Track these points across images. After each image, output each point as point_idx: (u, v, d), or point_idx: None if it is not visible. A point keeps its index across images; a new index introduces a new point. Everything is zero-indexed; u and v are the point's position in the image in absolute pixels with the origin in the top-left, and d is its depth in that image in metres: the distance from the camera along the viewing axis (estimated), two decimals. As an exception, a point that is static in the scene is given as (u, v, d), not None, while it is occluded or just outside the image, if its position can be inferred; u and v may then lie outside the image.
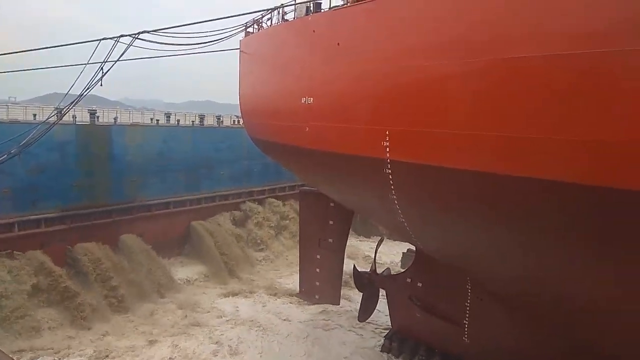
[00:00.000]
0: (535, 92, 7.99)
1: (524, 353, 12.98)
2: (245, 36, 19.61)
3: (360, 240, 36.76)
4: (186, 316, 23.73)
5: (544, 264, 9.40)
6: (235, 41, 19.51)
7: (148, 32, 17.45)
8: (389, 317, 19.52)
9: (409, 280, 17.35)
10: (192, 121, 38.67)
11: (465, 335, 15.03)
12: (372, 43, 11.47)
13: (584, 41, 7.37)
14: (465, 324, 14.95)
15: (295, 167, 18.81)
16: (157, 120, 38.47)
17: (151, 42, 17.39)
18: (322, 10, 14.63)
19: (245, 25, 19.18)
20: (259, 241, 33.72)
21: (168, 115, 39.06)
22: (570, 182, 7.65)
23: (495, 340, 13.94)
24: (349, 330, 21.69)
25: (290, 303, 25.73)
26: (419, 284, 16.95)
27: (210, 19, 17.26)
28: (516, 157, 8.35)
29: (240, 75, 20.15)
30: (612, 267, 8.19)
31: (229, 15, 16.99)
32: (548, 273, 9.56)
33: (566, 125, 7.60)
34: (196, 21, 17.54)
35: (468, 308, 14.75)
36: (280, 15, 17.02)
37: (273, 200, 36.59)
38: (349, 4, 13.22)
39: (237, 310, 24.82)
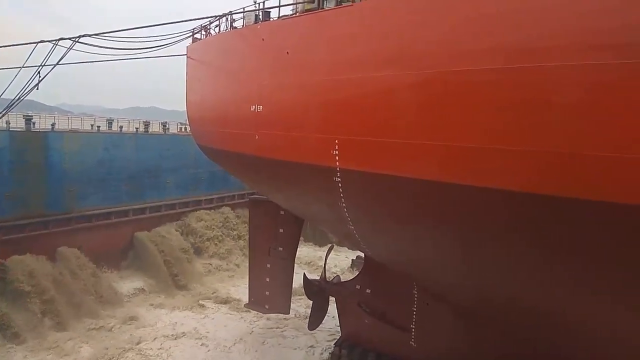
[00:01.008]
0: (474, 104, 8.39)
1: (470, 356, 13.41)
2: (193, 42, 19.28)
3: (314, 249, 36.81)
4: (129, 332, 22.80)
5: (488, 270, 9.81)
6: (182, 47, 19.17)
7: (89, 35, 16.79)
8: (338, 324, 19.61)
9: (358, 287, 17.53)
10: (136, 128, 37.42)
11: (412, 340, 15.35)
12: (321, 53, 11.60)
13: (519, 56, 7.81)
14: (412, 328, 15.27)
15: (245, 176, 18.61)
16: (99, 126, 36.97)
17: (93, 45, 16.74)
18: (271, 19, 14.65)
19: (193, 32, 18.88)
20: (207, 251, 33.01)
21: (110, 122, 37.59)
22: (510, 190, 8.05)
23: (441, 344, 14.33)
24: (299, 339, 21.61)
25: (240, 313, 25.33)
26: (368, 291, 17.15)
27: (157, 24, 16.85)
28: (458, 166, 8.70)
29: (187, 81, 19.77)
30: (553, 271, 8.64)
31: (176, 20, 16.68)
32: (492, 278, 9.96)
33: (504, 135, 8.02)
34: (141, 25, 17.04)
35: (415, 313, 15.08)
36: (229, 22, 16.88)
37: (222, 209, 36.00)
38: (297, 14, 13.32)
39: (183, 324, 24.15)
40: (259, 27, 14.30)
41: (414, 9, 9.65)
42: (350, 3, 11.41)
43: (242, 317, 24.99)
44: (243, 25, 15.56)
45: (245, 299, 25.87)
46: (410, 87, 9.40)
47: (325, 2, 12.59)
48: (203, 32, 19.04)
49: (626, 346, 9.09)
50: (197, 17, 17.35)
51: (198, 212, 34.29)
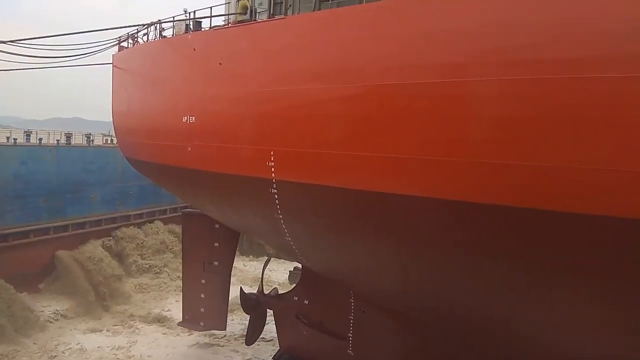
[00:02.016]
0: (403, 116, 8.80)
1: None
2: (119, 51, 18.53)
3: (249, 261, 36.27)
4: (50, 357, 21.20)
5: (424, 277, 10.16)
6: (108, 55, 18.36)
7: (4, 42, 15.63)
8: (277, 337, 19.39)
9: (295, 298, 17.45)
10: (57, 140, 35.20)
11: (350, 349, 15.48)
12: (255, 65, 11.57)
13: (446, 71, 8.28)
14: (349, 337, 15.41)
15: (177, 189, 18.05)
16: (15, 139, 34.39)
17: (8, 53, 15.58)
18: (203, 29, 14.42)
19: (119, 40, 18.15)
20: (136, 269, 31.50)
21: (28, 134, 35.08)
22: (440, 198, 8.43)
23: (378, 351, 14.56)
24: (236, 355, 21.13)
25: (173, 332, 24.35)
26: (306, 302, 17.13)
27: (80, 31, 16.03)
28: (389, 176, 9.04)
29: (113, 91, 18.93)
30: (490, 277, 9.09)
31: (101, 28, 15.95)
32: (428, 285, 10.32)
33: (432, 146, 8.45)
34: (63, 33, 16.15)
35: (352, 321, 15.24)
36: (158, 31, 16.41)
37: (152, 223, 34.59)
38: (230, 25, 13.22)
39: (111, 347, 22.82)
40: (190, 37, 14.03)
41: (346, 24, 9.95)
42: (282, 16, 11.51)
43: (176, 336, 24.04)
44: (173, 35, 15.18)
45: (179, 317, 24.96)
46: (342, 99, 9.65)
47: (257, 14, 12.61)
48: (130, 41, 18.36)
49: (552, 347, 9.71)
50: (123, 26, 16.69)
51: (127, 228, 32.70)
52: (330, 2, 11.26)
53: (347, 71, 9.62)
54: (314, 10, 11.17)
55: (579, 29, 7.18)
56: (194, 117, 13.15)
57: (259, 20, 12.45)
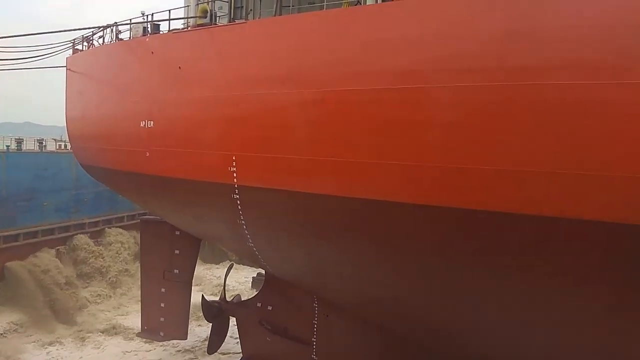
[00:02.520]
0: (363, 121, 8.97)
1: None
2: (74, 53, 17.91)
3: (211, 268, 35.65)
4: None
5: (387, 281, 10.30)
6: (62, 58, 17.71)
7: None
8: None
9: (259, 304, 17.30)
10: (7, 146, 33.59)
11: (314, 353, 15.46)
12: (216, 69, 11.45)
13: (403, 78, 8.50)
14: (313, 342, 15.39)
15: (136, 196, 17.57)
16: (-41, 145, 32.67)
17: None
18: (161, 32, 14.14)
19: (74, 42, 17.55)
20: (92, 278, 30.38)
21: (-26, 139, 33.35)
22: (396, 202, 8.65)
23: (342, 356, 14.60)
24: (199, 365, 20.69)
25: (132, 343, 23.62)
26: (269, 307, 17.00)
27: (32, 33, 15.39)
28: (350, 180, 9.17)
29: (67, 95, 18.26)
30: (451, 280, 9.29)
31: (55, 30, 15.39)
32: (391, 290, 10.46)
33: (390, 151, 8.65)
34: (12, 35, 15.45)
35: (316, 326, 15.23)
36: (114, 33, 15.96)
37: (109, 231, 33.47)
38: (190, 28, 13.02)
39: (67, 360, 21.90)
40: (148, 39, 13.73)
41: (307, 30, 10.02)
42: (243, 21, 11.45)
43: (135, 348, 23.32)
44: (130, 38, 14.81)
45: (137, 327, 24.26)
46: (303, 104, 9.73)
47: (218, 18, 12.49)
48: (85, 43, 17.79)
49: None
50: (78, 28, 16.16)
51: (81, 236, 31.50)
52: (291, 7, 11.30)
53: (308, 76, 9.73)
54: (274, 15, 11.17)
55: (524, 38, 7.54)
56: (152, 122, 12.86)
57: (220, 24, 12.34)
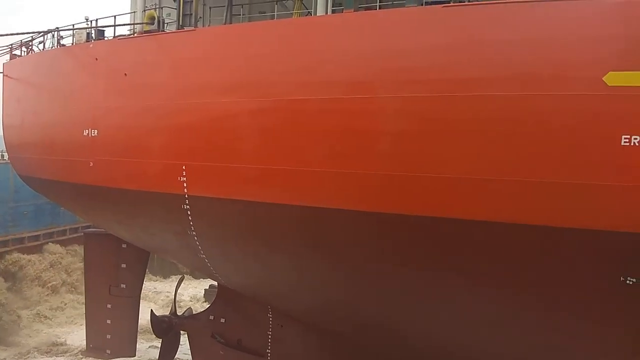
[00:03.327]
0: (313, 130, 9.11)
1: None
2: (11, 59, 17.03)
3: (161, 281, 34.55)
4: None
5: (341, 288, 10.37)
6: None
7: None
8: None
9: (211, 317, 16.95)
10: (-63, 156, 31.38)
11: (269, 364, 15.29)
12: (164, 76, 11.21)
13: (352, 88, 8.73)
14: (267, 353, 15.23)
15: (79, 207, 16.85)
16: None
17: None
18: (106, 38, 13.71)
19: (11, 47, 16.70)
20: (32, 296, 28.74)
21: None
22: (348, 209, 8.80)
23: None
24: (148, 382, 19.95)
25: (76, 363, 22.48)
26: (222, 320, 16.69)
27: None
28: (302, 189, 9.22)
29: (3, 103, 17.32)
30: (403, 284, 9.45)
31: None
32: (346, 296, 10.54)
33: (340, 159, 8.83)
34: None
35: (270, 337, 15.10)
36: (56, 39, 15.31)
37: (50, 246, 31.82)
38: (136, 35, 12.70)
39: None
40: (91, 45, 13.27)
41: (259, 39, 10.04)
42: (192, 28, 11.30)
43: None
44: (73, 43, 14.26)
45: (82, 345, 23.15)
46: (255, 113, 9.73)
47: (165, 25, 12.27)
48: (24, 49, 16.96)
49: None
50: (17, 32, 15.40)
51: (20, 251, 29.79)
52: (241, 16, 11.26)
53: (260, 85, 9.75)
54: (225, 24, 11.09)
55: (471, 51, 7.94)
56: (96, 131, 12.40)
57: (168, 31, 12.11)
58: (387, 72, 8.51)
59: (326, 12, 10.35)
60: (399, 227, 8.56)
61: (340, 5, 10.22)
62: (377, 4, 10.18)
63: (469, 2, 8.49)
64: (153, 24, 12.13)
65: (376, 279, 9.56)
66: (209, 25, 11.95)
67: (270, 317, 14.85)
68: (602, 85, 7.25)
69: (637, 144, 7.13)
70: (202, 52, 10.71)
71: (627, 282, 7.72)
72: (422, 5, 9.37)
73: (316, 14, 10.48)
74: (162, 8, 12.75)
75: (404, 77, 8.36)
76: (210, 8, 11.96)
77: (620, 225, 7.46)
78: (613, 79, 7.25)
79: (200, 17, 12.09)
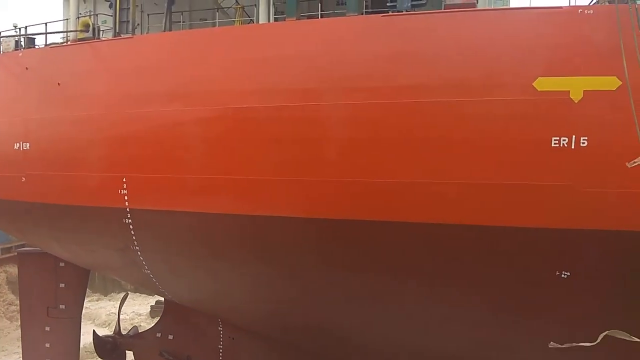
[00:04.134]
0: (259, 139, 9.07)
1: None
2: None
3: (103, 300, 33.03)
4: None
5: (291, 296, 10.32)
6: None
7: None
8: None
9: (158, 334, 16.37)
10: None
11: (221, 379, 14.96)
12: (102, 85, 10.79)
13: (296, 96, 8.79)
14: (219, 367, 14.91)
15: (11, 225, 15.84)
16: None
17: None
18: (37, 46, 13.02)
19: None
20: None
21: None
22: (299, 217, 8.85)
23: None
24: (92, 407, 18.95)
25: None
26: (170, 337, 16.15)
27: None
28: (253, 198, 9.12)
29: None
30: (339, 290, 9.53)
31: None
32: (296, 304, 10.50)
33: (287, 167, 8.87)
34: None
35: (221, 350, 14.80)
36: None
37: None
38: (70, 42, 12.16)
39: None
40: (21, 54, 12.56)
41: (201, 46, 9.90)
42: (130, 35, 10.96)
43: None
44: (0, 52, 13.43)
45: (18, 373, 21.71)
46: (201, 122, 9.56)
47: (101, 32, 11.83)
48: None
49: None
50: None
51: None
52: (181, 23, 11.05)
53: (204, 93, 9.58)
54: (165, 31, 10.84)
55: (410, 59, 8.26)
56: (28, 144, 11.71)
57: (104, 39, 11.68)
58: (331, 79, 8.67)
59: (268, 21, 10.37)
60: (350, 232, 8.67)
61: (283, 13, 10.27)
62: (319, 12, 10.35)
63: (406, 12, 8.78)
64: (88, 31, 11.67)
65: (327, 285, 9.60)
66: (147, 33, 11.63)
67: (220, 330, 14.57)
68: (533, 91, 7.72)
69: (565, 145, 7.64)
70: (141, 60, 10.40)
71: (562, 275, 8.21)
72: (362, 14, 9.63)
73: (258, 22, 10.47)
74: (97, 15, 12.30)
75: (348, 85, 8.54)
76: (148, 15, 11.66)
77: (554, 223, 7.94)
78: (542, 84, 7.72)
79: (138, 24, 11.76)
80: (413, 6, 8.86)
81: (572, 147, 7.63)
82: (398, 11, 8.90)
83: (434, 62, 8.14)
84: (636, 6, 7.57)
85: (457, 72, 8.00)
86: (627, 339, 7.59)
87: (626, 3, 7.61)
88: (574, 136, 7.62)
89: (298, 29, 9.29)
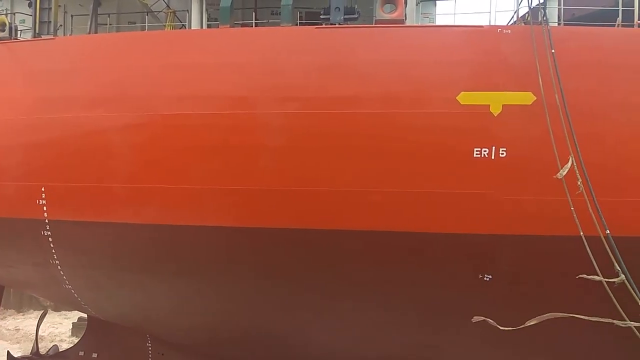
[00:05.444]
0: (190, 146, 8.88)
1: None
2: None
3: (19, 318, 30.63)
4: None
5: (224, 307, 10.13)
6: None
7: None
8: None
9: (81, 353, 15.46)
10: None
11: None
12: (19, 89, 10.12)
13: (228, 103, 8.73)
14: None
15: None
16: None
17: None
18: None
19: None
20: None
21: None
22: (229, 226, 8.75)
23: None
24: None
25: None
26: (94, 355, 15.31)
27: None
28: (183, 208, 8.91)
29: None
30: (284, 297, 9.52)
31: None
32: (229, 315, 10.30)
33: (221, 176, 8.75)
34: None
35: (151, 366, 14.21)
36: None
37: None
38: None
39: None
40: None
41: (128, 51, 9.57)
42: (51, 36, 10.38)
43: None
44: None
45: None
46: (127, 128, 9.22)
47: (19, 32, 11.11)
48: None
49: None
50: None
51: None
52: (108, 25, 10.62)
53: (132, 99, 9.26)
54: (89, 33, 10.36)
55: (342, 71, 8.49)
56: None
57: (22, 39, 10.97)
58: (265, 88, 8.70)
59: (201, 27, 10.22)
60: (283, 241, 8.68)
61: (216, 20, 10.17)
62: (254, 21, 10.34)
63: (339, 25, 9.00)
64: (4, 30, 10.89)
65: (260, 296, 9.53)
66: (70, 35, 11.06)
67: (149, 345, 14.00)
68: (456, 104, 8.18)
69: (486, 156, 8.15)
70: (63, 63, 9.85)
71: (485, 279, 8.69)
72: (296, 25, 9.75)
73: (190, 27, 10.29)
74: (14, 14, 11.54)
75: (282, 95, 8.63)
76: (72, 16, 11.09)
77: (477, 228, 8.41)
78: (465, 98, 8.21)
79: (61, 25, 11.15)
80: (346, 19, 9.10)
81: (492, 157, 8.15)
82: (331, 24, 9.12)
83: (365, 74, 8.42)
84: (549, 27, 8.27)
85: (387, 84, 8.33)
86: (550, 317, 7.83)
87: (540, 24, 8.29)
88: (493, 147, 8.15)
89: (232, 37, 9.24)
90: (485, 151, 8.16)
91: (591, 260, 7.22)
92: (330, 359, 10.87)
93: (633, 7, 8.90)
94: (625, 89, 8.31)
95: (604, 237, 7.28)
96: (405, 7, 9.25)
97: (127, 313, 12.45)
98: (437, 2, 11.11)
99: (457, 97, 8.18)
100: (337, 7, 8.94)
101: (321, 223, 8.46)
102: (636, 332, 7.26)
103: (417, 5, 9.90)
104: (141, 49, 9.60)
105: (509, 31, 8.52)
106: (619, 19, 9.01)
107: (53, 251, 10.05)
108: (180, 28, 10.79)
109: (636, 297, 7.07)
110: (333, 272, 9.02)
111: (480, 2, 10.22)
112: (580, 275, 7.31)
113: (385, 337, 9.85)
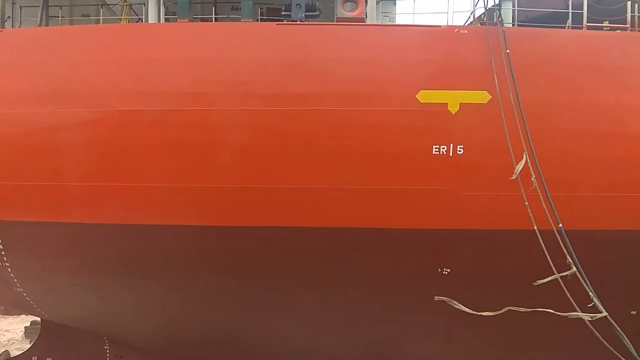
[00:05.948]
0: (147, 143, 8.70)
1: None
2: None
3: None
4: None
5: (186, 308, 9.96)
6: None
7: None
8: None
9: (35, 358, 14.91)
10: None
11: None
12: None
13: (186, 100, 8.57)
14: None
15: None
16: None
17: None
18: None
19: None
20: None
21: None
22: (189, 225, 8.62)
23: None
24: None
25: None
26: (49, 359, 14.81)
27: None
28: (139, 206, 8.74)
29: None
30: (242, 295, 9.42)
31: None
32: (191, 316, 10.15)
33: (177, 174, 8.59)
34: None
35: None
36: None
37: None
38: None
39: None
40: None
41: (80, 45, 9.25)
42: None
43: None
44: None
45: None
46: (79, 125, 8.92)
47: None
48: None
49: None
50: None
51: None
52: (60, 18, 10.19)
53: (85, 94, 8.96)
54: (40, 25, 9.92)
55: (304, 68, 8.51)
56: None
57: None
58: (224, 84, 8.59)
59: (158, 20, 9.97)
60: (244, 239, 8.62)
61: (174, 14, 9.94)
62: (213, 16, 10.16)
63: (300, 22, 8.98)
64: (-55, 22, 10.27)
65: (221, 295, 9.44)
66: (19, 27, 10.55)
67: (107, 348, 13.64)
68: (416, 102, 8.33)
69: (444, 153, 8.36)
70: (10, 57, 9.40)
71: (444, 272, 8.92)
72: (257, 21, 9.66)
73: (147, 21, 10.02)
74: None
75: (242, 91, 8.54)
76: (20, 7, 10.57)
77: (436, 223, 8.61)
78: (424, 96, 8.37)
79: (9, 17, 10.62)
80: (307, 17, 9.10)
81: (450, 154, 8.36)
82: (292, 20, 9.08)
83: (326, 72, 8.46)
84: (504, 28, 8.52)
85: (346, 82, 8.41)
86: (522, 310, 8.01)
87: (495, 25, 8.53)
88: (451, 145, 8.36)
89: (190, 31, 9.07)
90: (443, 148, 8.36)
91: (545, 254, 7.48)
92: (292, 356, 10.88)
93: (582, 10, 9.29)
94: (574, 87, 8.69)
95: (557, 230, 7.56)
96: (366, 5, 9.32)
97: (83, 316, 12.11)
98: (396, 1, 11.26)
99: (416, 96, 8.33)
100: (298, 4, 8.93)
101: (283, 220, 8.46)
102: (588, 323, 7.42)
103: (377, 4, 9.99)
104: (95, 43, 9.28)
105: (466, 31, 8.75)
106: (569, 21, 9.39)
107: (2, 253, 9.65)
108: (136, 22, 10.47)
109: (587, 287, 7.39)
110: (295, 268, 9.04)
111: (439, 2, 10.43)
112: (537, 282, 7.43)
113: (347, 332, 9.95)
